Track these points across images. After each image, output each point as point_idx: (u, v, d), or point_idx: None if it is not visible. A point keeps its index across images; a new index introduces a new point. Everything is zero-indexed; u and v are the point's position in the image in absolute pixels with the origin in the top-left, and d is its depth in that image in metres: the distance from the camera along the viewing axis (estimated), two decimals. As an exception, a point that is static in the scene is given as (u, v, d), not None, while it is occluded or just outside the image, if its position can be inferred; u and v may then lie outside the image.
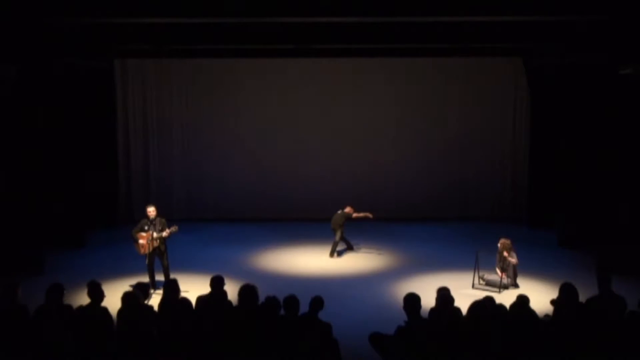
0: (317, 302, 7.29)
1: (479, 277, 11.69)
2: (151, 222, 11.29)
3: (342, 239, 14.16)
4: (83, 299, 7.66)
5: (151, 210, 11.35)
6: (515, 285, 11.60)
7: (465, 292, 10.84)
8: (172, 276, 10.44)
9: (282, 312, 7.14)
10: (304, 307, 7.24)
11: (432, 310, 7.47)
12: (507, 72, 17.50)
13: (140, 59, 16.96)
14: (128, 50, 14.75)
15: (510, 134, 17.87)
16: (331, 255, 13.92)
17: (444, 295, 7.51)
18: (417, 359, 6.38)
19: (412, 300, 6.63)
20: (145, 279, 10.88)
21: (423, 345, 6.38)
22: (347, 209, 14.18)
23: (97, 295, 7.54)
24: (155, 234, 11.23)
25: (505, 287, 11.45)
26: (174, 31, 11.68)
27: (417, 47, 13.64)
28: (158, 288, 11.09)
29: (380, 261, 13.77)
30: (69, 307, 7.43)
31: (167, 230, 11.28)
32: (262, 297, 7.41)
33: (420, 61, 16.90)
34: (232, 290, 8.29)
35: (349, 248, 14.38)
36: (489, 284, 11.58)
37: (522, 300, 7.18)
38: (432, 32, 11.75)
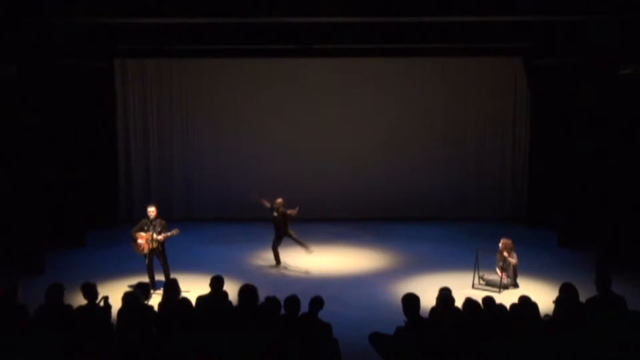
0: (317, 302, 7.29)
1: (479, 277, 11.69)
2: (151, 223, 11.29)
3: (289, 234, 13.30)
4: (83, 299, 7.66)
5: (152, 211, 11.34)
6: (515, 285, 11.60)
7: (465, 292, 10.82)
8: (172, 276, 10.43)
9: (282, 312, 7.14)
10: (304, 307, 7.24)
11: (433, 310, 7.48)
12: (507, 72, 17.51)
13: (140, 59, 16.97)
14: (128, 50, 14.75)
15: (510, 134, 17.88)
16: (309, 251, 13.49)
17: (444, 296, 7.51)
18: (416, 359, 6.38)
19: (410, 300, 6.63)
20: (145, 279, 10.88)
21: (423, 345, 6.38)
22: (279, 201, 13.25)
23: (93, 296, 7.55)
24: (155, 235, 11.22)
25: (505, 287, 11.45)
26: (174, 31, 11.68)
27: (417, 47, 13.64)
28: (158, 288, 11.10)
29: (380, 261, 13.77)
30: (69, 307, 7.44)
31: (163, 235, 11.27)
32: (262, 297, 7.42)
33: (420, 61, 16.91)
34: (232, 290, 8.29)
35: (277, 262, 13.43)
36: (489, 284, 11.58)
37: (524, 302, 7.16)
38: (432, 32, 11.75)
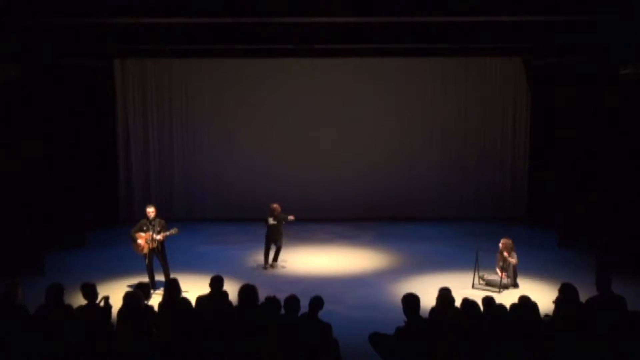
0: (317, 302, 7.29)
1: (479, 277, 11.69)
2: (150, 223, 11.30)
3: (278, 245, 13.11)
4: (83, 299, 7.66)
5: (151, 211, 11.35)
6: (515, 285, 11.60)
7: (465, 292, 10.82)
8: (172, 276, 10.43)
9: (282, 312, 7.14)
10: (304, 307, 7.24)
11: (433, 310, 7.48)
12: (507, 72, 17.52)
13: (140, 59, 16.97)
14: (128, 50, 14.74)
15: (510, 134, 17.89)
16: (272, 264, 13.14)
17: (444, 296, 7.52)
18: (416, 359, 6.38)
19: (410, 300, 6.63)
20: (145, 279, 10.88)
21: (423, 345, 6.38)
22: (276, 206, 12.97)
23: (92, 296, 7.56)
24: (154, 235, 11.23)
25: (505, 287, 11.45)
26: (174, 31, 11.67)
27: (417, 47, 13.62)
28: (158, 288, 11.11)
29: (380, 261, 13.77)
30: (69, 307, 7.44)
31: (162, 234, 11.27)
32: (262, 297, 7.42)
33: (420, 61, 16.92)
34: (232, 290, 8.30)
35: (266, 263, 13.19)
36: (489, 284, 11.58)
37: (524, 302, 7.17)
38: (432, 32, 11.74)
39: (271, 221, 12.98)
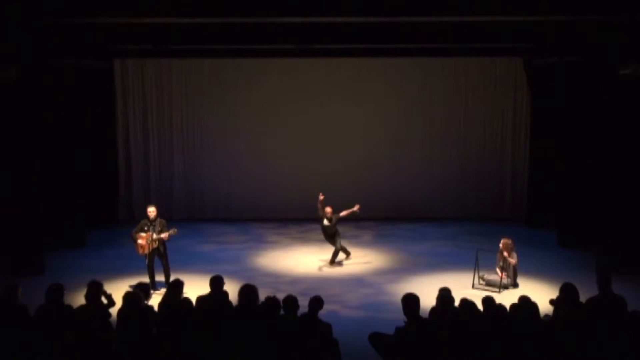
0: (316, 302, 7.30)
1: (479, 277, 11.69)
2: (151, 223, 11.31)
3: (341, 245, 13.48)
4: (83, 299, 7.66)
5: (152, 211, 11.36)
6: (515, 285, 11.60)
7: (465, 292, 10.82)
8: (172, 276, 10.43)
9: (281, 312, 7.15)
10: (304, 307, 7.25)
11: (433, 310, 7.49)
12: (507, 72, 17.52)
13: (140, 59, 16.97)
14: (128, 50, 14.75)
15: (510, 133, 17.88)
16: (332, 263, 13.32)
17: (444, 296, 7.52)
18: (416, 359, 6.39)
19: (410, 300, 6.64)
20: (145, 279, 10.88)
21: (422, 345, 6.38)
22: (328, 210, 13.21)
23: (97, 295, 7.56)
24: (155, 235, 11.23)
25: (505, 287, 11.45)
26: (174, 31, 11.68)
27: (417, 47, 13.64)
28: (157, 289, 11.11)
29: (380, 261, 13.76)
30: (69, 307, 7.44)
31: (166, 233, 11.28)
32: (262, 297, 7.43)
33: (420, 61, 16.91)
34: (232, 290, 8.30)
35: (347, 255, 13.65)
36: (489, 284, 11.59)
37: (524, 302, 7.17)
38: (432, 32, 11.76)
39: (325, 222, 13.21)
